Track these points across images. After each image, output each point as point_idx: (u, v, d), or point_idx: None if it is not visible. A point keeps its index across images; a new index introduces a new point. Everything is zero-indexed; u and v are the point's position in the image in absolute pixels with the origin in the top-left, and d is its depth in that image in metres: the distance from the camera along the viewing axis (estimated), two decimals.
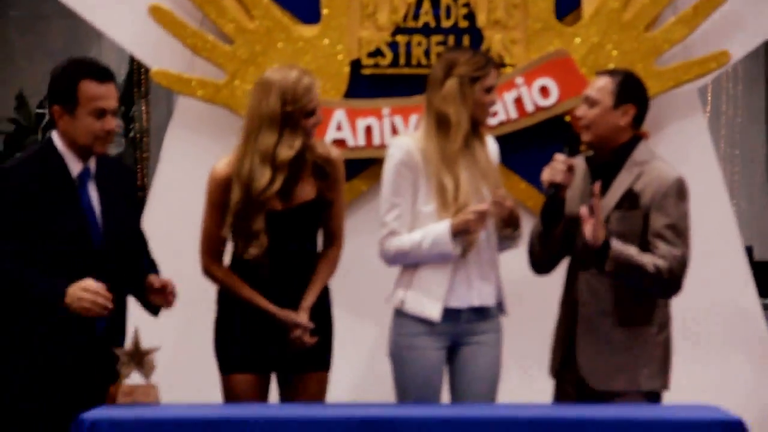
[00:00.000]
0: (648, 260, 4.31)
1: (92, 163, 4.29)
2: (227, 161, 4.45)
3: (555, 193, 4.40)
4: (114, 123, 4.25)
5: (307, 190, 4.45)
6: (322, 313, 4.52)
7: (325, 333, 4.52)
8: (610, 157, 4.47)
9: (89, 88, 4.20)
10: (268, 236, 4.37)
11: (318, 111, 4.40)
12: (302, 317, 4.44)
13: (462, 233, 4.40)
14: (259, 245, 4.37)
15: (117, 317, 4.34)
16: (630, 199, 4.40)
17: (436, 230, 4.41)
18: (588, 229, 4.27)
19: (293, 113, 4.35)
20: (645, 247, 4.37)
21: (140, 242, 4.42)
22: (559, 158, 4.41)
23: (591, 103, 4.45)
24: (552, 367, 4.59)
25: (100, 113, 4.21)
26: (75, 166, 4.27)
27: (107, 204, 4.28)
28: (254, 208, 4.37)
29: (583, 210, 4.29)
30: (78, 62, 4.31)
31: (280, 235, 4.41)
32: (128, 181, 4.49)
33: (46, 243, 4.18)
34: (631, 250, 4.30)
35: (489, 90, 4.50)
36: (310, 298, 4.47)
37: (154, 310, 4.39)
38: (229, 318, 4.53)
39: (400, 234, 4.47)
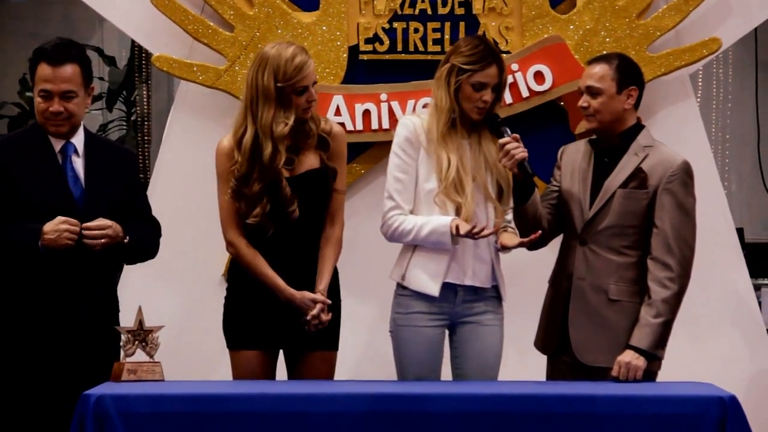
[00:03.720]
0: (660, 310, 4.35)
1: (78, 140, 4.41)
2: (230, 135, 4.51)
3: (524, 170, 4.42)
4: (57, 106, 4.33)
5: (311, 160, 4.50)
6: (331, 293, 4.54)
7: (334, 313, 4.53)
8: (615, 140, 4.52)
9: (41, 70, 4.36)
10: (273, 201, 4.41)
11: (311, 89, 4.43)
12: (320, 296, 4.45)
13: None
14: (262, 208, 4.41)
15: (107, 290, 4.45)
16: (638, 179, 4.46)
17: (437, 221, 4.45)
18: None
19: (284, 90, 4.39)
20: (647, 226, 4.43)
21: (136, 217, 4.47)
22: (506, 140, 4.43)
23: (594, 92, 4.48)
24: (543, 344, 4.63)
25: (46, 95, 4.34)
26: (57, 142, 4.39)
27: (92, 178, 4.38)
28: (263, 176, 4.41)
29: None
30: (41, 47, 4.42)
31: (287, 201, 4.44)
32: (125, 161, 4.57)
33: (29, 211, 4.30)
34: (651, 325, 4.35)
35: (477, 86, 4.49)
36: (324, 281, 4.48)
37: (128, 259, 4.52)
38: (239, 294, 4.54)
39: (403, 209, 4.51)
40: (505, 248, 4.50)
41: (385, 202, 4.54)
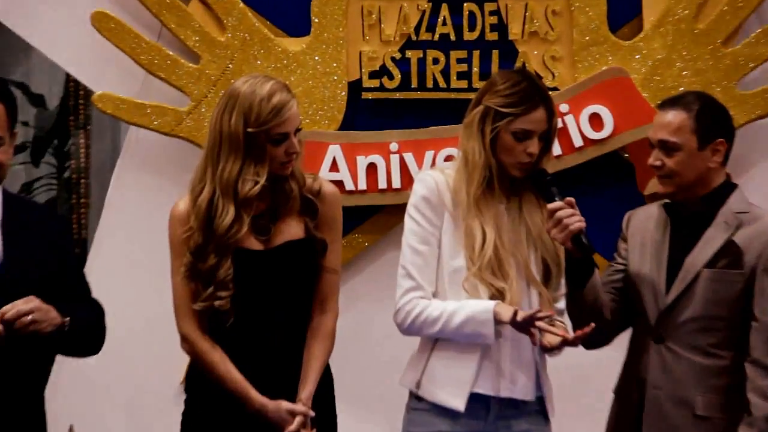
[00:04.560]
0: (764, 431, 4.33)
1: None
2: (188, 195, 4.48)
3: (580, 244, 4.37)
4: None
5: (293, 229, 4.47)
6: (322, 404, 4.48)
7: (326, 430, 4.49)
8: (698, 205, 4.49)
9: None
10: (243, 281, 4.39)
11: (292, 138, 4.41)
12: (300, 407, 4.39)
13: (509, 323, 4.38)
14: (226, 294, 4.38)
15: (31, 405, 4.38)
16: (729, 255, 4.42)
17: (475, 306, 4.39)
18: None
19: (258, 137, 4.37)
20: (743, 319, 4.39)
21: (66, 293, 4.41)
22: (558, 205, 4.37)
23: (670, 148, 4.45)
24: None
25: None
26: None
27: (13, 250, 4.34)
28: (220, 250, 4.38)
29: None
30: None
31: (261, 280, 4.42)
32: (56, 229, 4.54)
33: None
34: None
35: (520, 135, 4.44)
36: (308, 386, 4.42)
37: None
38: (200, 408, 4.49)
39: (425, 290, 4.47)
40: (550, 350, 4.42)
41: (401, 282, 4.49)
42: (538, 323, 4.31)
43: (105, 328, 4.53)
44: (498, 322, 4.36)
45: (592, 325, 4.31)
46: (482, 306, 4.38)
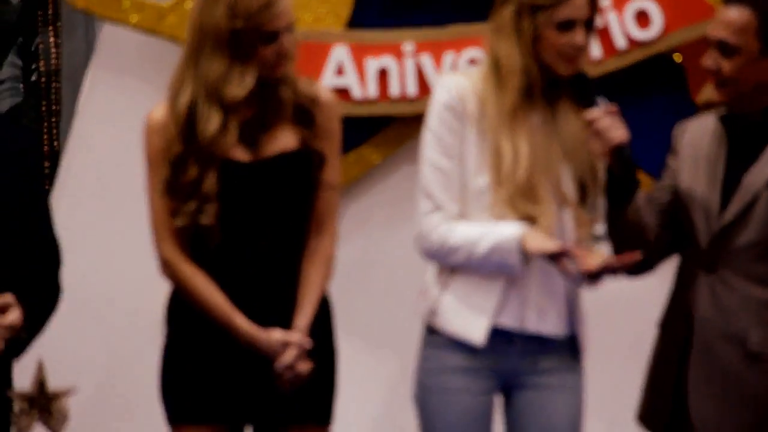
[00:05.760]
0: None
1: None
2: (167, 103, 4.52)
3: (622, 158, 4.37)
4: None
5: (286, 139, 4.50)
6: (319, 335, 4.52)
7: (325, 366, 4.54)
8: (758, 116, 4.46)
9: None
10: (229, 196, 4.43)
11: (282, 36, 4.43)
12: (296, 336, 4.43)
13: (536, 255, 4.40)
14: (213, 209, 4.42)
15: None
16: None
17: (500, 233, 4.40)
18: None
19: (245, 33, 4.39)
20: None
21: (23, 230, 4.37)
22: (598, 114, 4.36)
23: (728, 50, 4.42)
24: (649, 417, 4.61)
25: None
26: None
27: None
28: (203, 160, 4.40)
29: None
30: None
31: (250, 195, 4.44)
32: (20, 148, 4.47)
33: None
34: None
35: (564, 26, 4.43)
36: (305, 315, 4.47)
37: None
38: (183, 342, 4.55)
39: (449, 211, 4.45)
40: (589, 276, 4.40)
41: (421, 204, 4.48)
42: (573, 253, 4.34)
43: (58, 285, 4.46)
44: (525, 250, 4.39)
45: (639, 252, 4.32)
46: (508, 233, 4.38)
